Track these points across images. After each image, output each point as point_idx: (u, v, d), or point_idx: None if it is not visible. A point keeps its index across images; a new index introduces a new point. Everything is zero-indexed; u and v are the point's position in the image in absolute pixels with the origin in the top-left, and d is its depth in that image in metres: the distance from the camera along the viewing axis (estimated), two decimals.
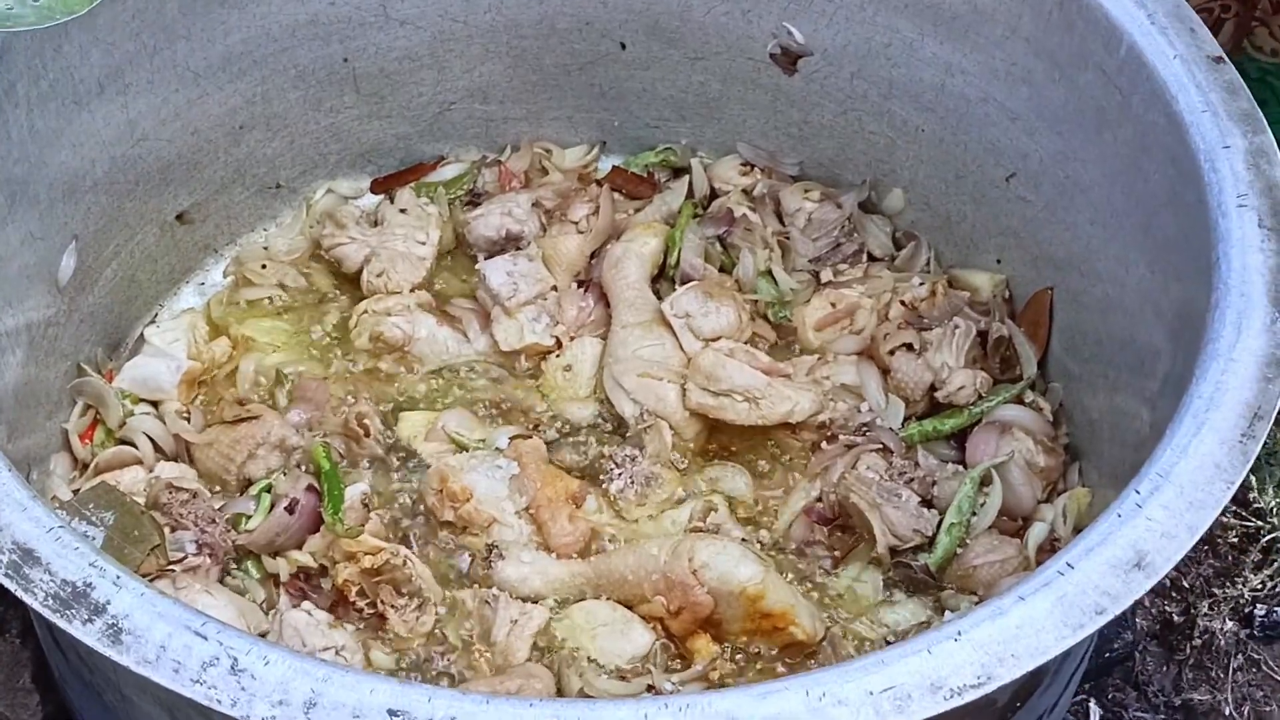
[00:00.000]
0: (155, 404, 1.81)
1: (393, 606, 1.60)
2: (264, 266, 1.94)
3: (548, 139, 2.11)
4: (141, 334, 1.85)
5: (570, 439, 1.78)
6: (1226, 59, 1.59)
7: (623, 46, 1.98)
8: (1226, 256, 1.43)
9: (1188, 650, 1.97)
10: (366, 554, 1.61)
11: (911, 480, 1.69)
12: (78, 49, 1.65)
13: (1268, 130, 1.54)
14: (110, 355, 1.85)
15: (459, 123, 2.05)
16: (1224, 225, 1.46)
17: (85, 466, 1.74)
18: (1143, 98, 1.59)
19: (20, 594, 1.16)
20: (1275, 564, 1.99)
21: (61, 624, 1.14)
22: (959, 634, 1.16)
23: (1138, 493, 1.26)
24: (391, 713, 1.11)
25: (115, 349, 1.87)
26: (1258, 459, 2.06)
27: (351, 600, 1.60)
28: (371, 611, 1.60)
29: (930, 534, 1.68)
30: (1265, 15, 2.19)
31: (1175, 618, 1.99)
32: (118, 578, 1.17)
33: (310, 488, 1.70)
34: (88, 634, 1.13)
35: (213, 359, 1.85)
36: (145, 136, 1.79)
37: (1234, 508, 2.03)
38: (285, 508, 1.67)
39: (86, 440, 1.76)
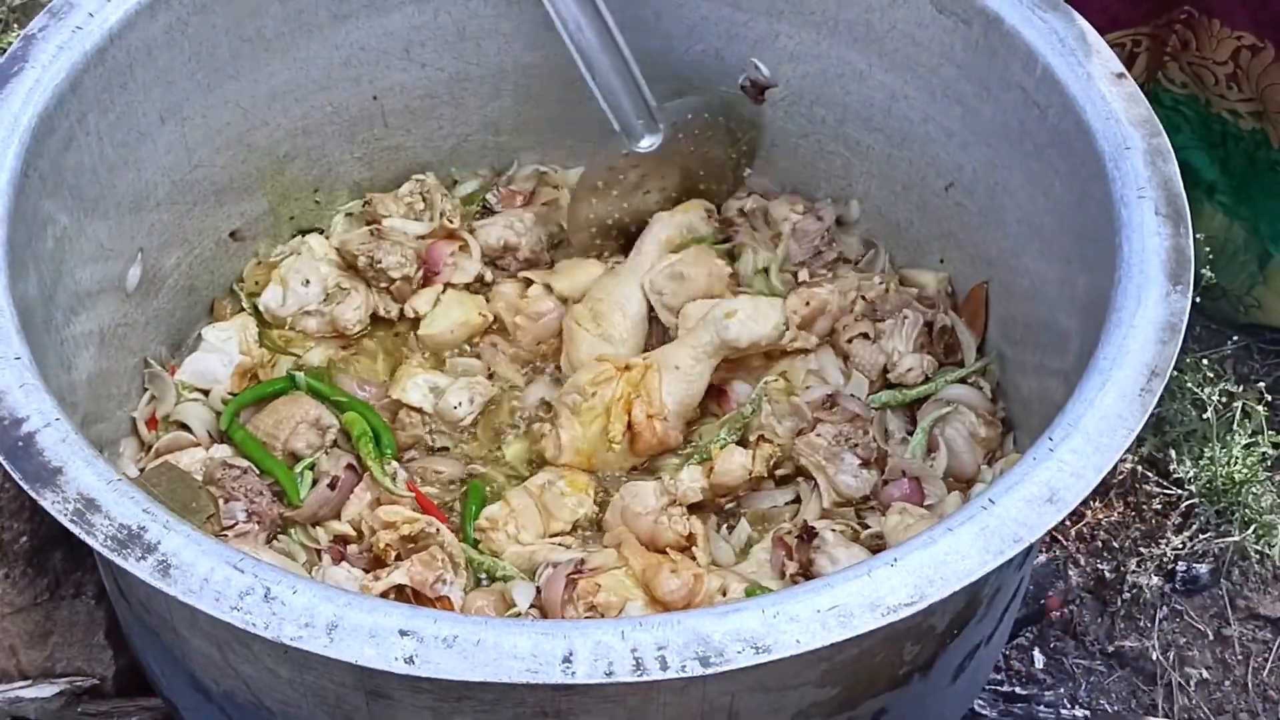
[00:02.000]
0: (206, 392, 1.79)
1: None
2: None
3: (558, 164, 2.08)
4: (200, 333, 1.84)
5: None
6: (1127, 74, 1.58)
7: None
8: (1128, 241, 1.43)
9: (1119, 603, 1.99)
10: (405, 522, 1.60)
11: (856, 445, 1.68)
12: (141, 86, 1.64)
13: (1163, 133, 1.54)
14: (173, 353, 1.83)
15: (474, 151, 2.03)
16: (1125, 215, 1.46)
17: (150, 449, 1.72)
18: (1057, 110, 1.59)
19: (83, 536, 1.17)
20: (1193, 526, 2.01)
21: (118, 561, 1.15)
22: (894, 560, 1.17)
23: (1050, 439, 1.27)
24: (402, 632, 1.12)
25: (178, 347, 1.85)
26: (1178, 436, 2.09)
27: (389, 564, 1.59)
28: None
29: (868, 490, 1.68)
30: (1175, 51, 2.14)
31: (1107, 575, 2.00)
32: (167, 522, 1.18)
33: (349, 466, 1.69)
34: (141, 569, 1.15)
35: (261, 354, 1.83)
36: (201, 163, 1.78)
37: (1157, 478, 2.05)
38: (328, 484, 1.67)
39: (152, 427, 1.75)
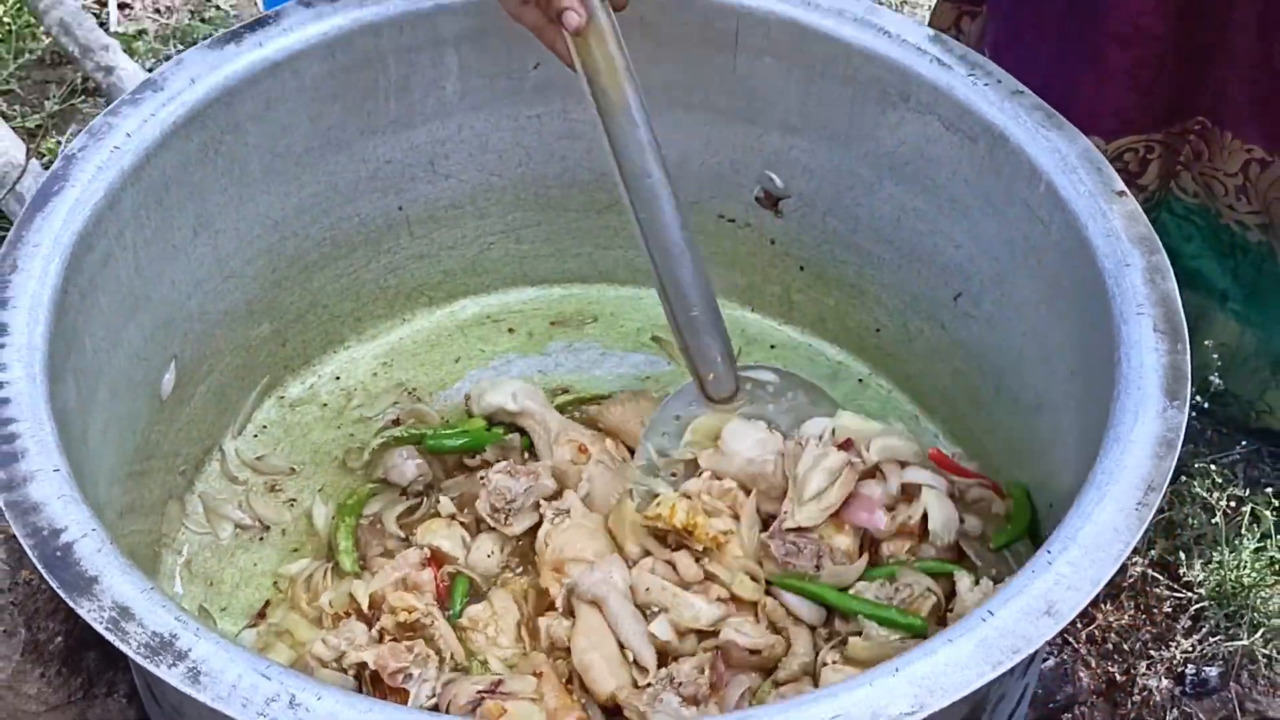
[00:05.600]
0: None
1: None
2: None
3: (577, 274, 2.13)
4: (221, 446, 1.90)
5: None
6: (1128, 192, 1.63)
7: None
8: (1127, 356, 1.47)
9: (1129, 706, 1.99)
10: (404, 609, 1.65)
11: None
12: (176, 201, 1.70)
13: (1162, 250, 1.58)
14: (198, 467, 1.89)
15: (496, 259, 2.09)
16: (1125, 331, 1.50)
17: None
18: (1059, 226, 1.63)
19: (118, 644, 1.22)
20: (1203, 629, 2.01)
21: (150, 668, 1.20)
22: (896, 670, 1.22)
23: (1049, 552, 1.31)
24: None
25: (209, 449, 1.91)
26: (1188, 540, 2.12)
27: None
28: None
29: None
30: (1188, 160, 2.17)
31: (1118, 677, 2.01)
32: (197, 630, 1.22)
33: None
34: (172, 675, 1.20)
35: None
36: (233, 273, 1.84)
37: (1168, 581, 2.06)
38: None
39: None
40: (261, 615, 1.78)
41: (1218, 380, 2.11)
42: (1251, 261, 2.20)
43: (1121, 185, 1.64)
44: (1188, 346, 1.49)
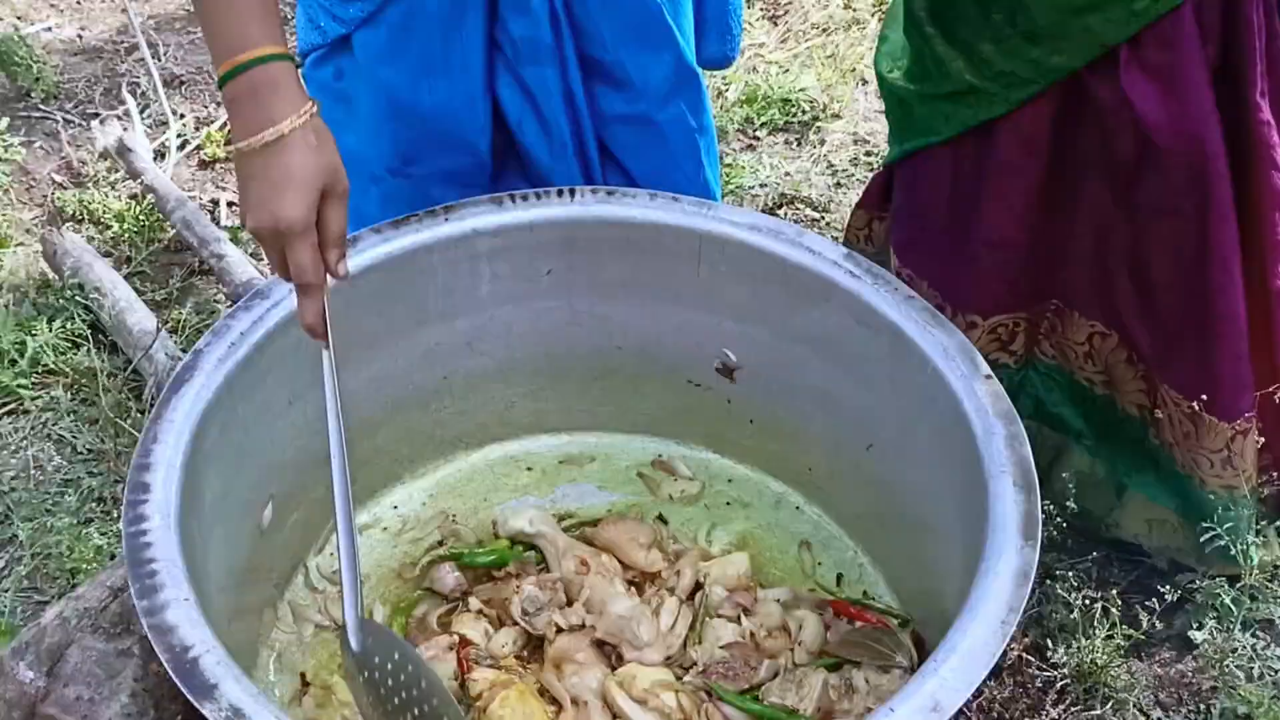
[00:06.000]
0: None
1: None
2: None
3: (580, 425, 2.14)
4: (305, 563, 1.93)
5: None
6: (994, 375, 1.67)
7: (621, 364, 2.06)
8: (993, 505, 1.52)
9: None
10: None
11: None
12: (276, 381, 1.76)
13: (1019, 422, 1.61)
14: (287, 580, 1.92)
15: (519, 414, 2.12)
16: (992, 485, 1.55)
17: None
18: (942, 401, 1.68)
19: None
20: (1067, 701, 2.03)
21: None
22: None
23: (935, 660, 1.36)
24: None
25: (295, 568, 1.93)
26: (1053, 629, 2.15)
27: None
28: None
29: None
30: (1047, 332, 2.22)
31: None
32: None
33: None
34: None
35: None
36: (317, 431, 1.77)
37: (1039, 662, 2.06)
38: None
39: None
40: (306, 683, 1.81)
41: (1072, 505, 2.14)
42: (1099, 409, 2.25)
43: (989, 370, 1.68)
44: (1039, 498, 1.53)
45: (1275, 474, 2.17)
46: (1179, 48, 1.85)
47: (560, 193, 1.92)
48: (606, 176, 2.05)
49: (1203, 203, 1.91)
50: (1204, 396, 2.03)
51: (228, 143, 3.38)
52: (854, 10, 3.74)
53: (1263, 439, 2.08)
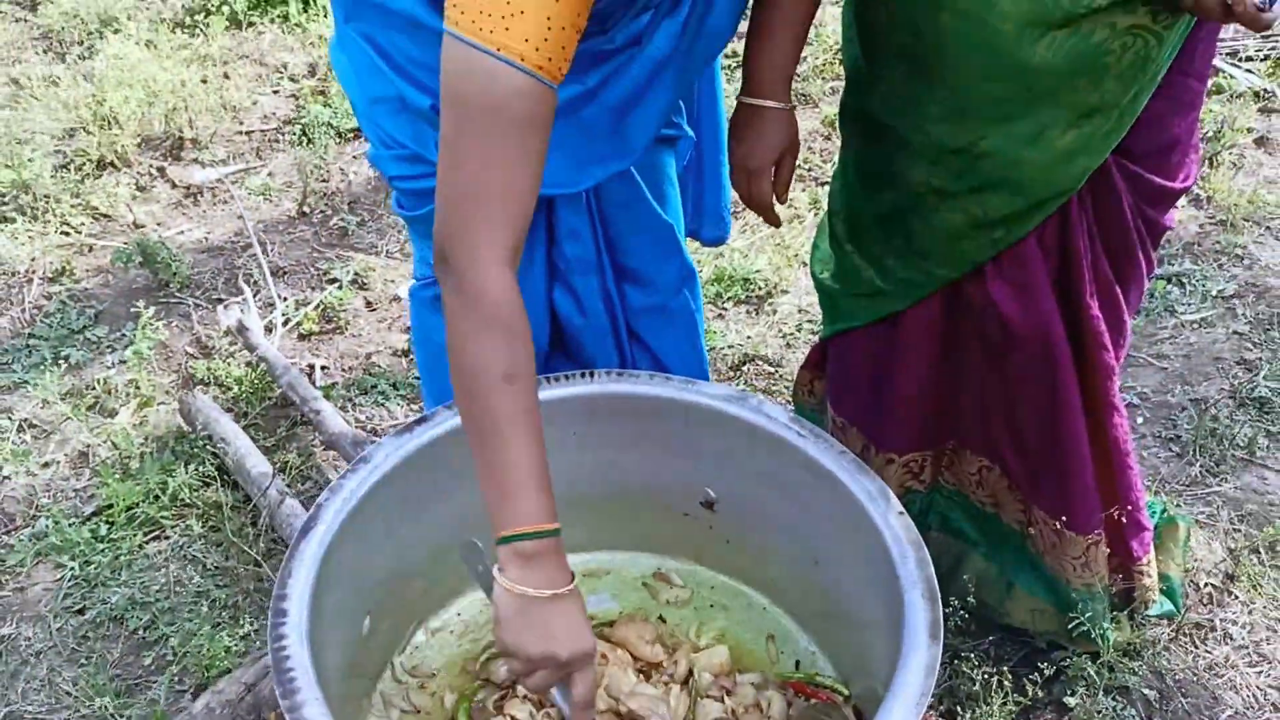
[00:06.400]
0: None
1: None
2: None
3: (598, 545, 2.12)
4: (392, 661, 1.98)
5: None
6: (905, 514, 1.74)
7: (628, 499, 2.08)
8: (908, 614, 1.57)
9: None
10: None
11: None
12: (379, 523, 1.80)
13: (925, 549, 1.68)
14: (378, 674, 1.94)
15: None
16: (906, 597, 1.60)
17: None
18: (867, 531, 1.73)
19: None
20: None
21: None
22: None
23: None
24: None
25: (383, 666, 1.97)
26: (961, 698, 2.20)
27: None
28: None
29: None
30: (948, 464, 2.31)
31: None
32: None
33: None
34: None
35: None
36: (404, 557, 1.92)
37: None
38: None
39: None
40: None
41: (972, 599, 2.23)
42: (989, 524, 2.34)
43: (900, 508, 1.75)
44: (940, 606, 1.60)
45: (1120, 575, 2.29)
46: (1028, 265, 2.04)
47: (583, 375, 2.02)
48: (634, 354, 2.17)
49: (1051, 375, 2.07)
50: (1064, 517, 2.16)
51: (324, 320, 3.53)
52: (795, 208, 3.94)
53: (1109, 548, 2.21)
